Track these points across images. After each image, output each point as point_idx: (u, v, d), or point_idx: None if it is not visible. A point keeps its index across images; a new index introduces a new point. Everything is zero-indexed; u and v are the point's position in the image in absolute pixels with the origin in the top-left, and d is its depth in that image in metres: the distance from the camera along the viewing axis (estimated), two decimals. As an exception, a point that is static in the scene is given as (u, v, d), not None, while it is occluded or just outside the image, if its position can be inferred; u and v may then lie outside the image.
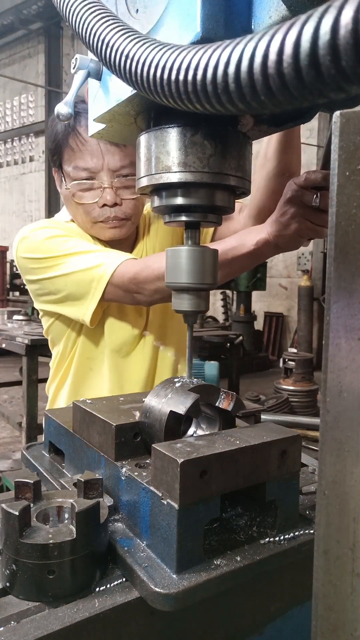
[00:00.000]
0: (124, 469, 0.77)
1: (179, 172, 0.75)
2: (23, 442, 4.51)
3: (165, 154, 0.76)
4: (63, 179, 1.52)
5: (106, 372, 1.57)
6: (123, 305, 1.54)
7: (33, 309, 6.04)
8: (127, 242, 1.63)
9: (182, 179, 0.75)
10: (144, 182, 0.80)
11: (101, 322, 1.54)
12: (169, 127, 0.75)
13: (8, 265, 11.86)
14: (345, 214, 0.45)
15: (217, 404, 0.83)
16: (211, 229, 1.62)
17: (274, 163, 1.32)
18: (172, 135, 0.75)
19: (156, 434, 0.79)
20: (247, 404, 0.90)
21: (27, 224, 1.61)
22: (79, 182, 1.47)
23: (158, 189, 0.82)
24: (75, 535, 0.64)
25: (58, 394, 1.67)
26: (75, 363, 1.60)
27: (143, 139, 0.80)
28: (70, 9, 0.68)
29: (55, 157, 1.53)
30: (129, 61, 0.57)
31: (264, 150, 1.33)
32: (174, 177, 0.76)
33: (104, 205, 1.47)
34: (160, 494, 0.68)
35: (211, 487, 0.67)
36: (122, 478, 0.77)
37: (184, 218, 0.84)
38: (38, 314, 1.69)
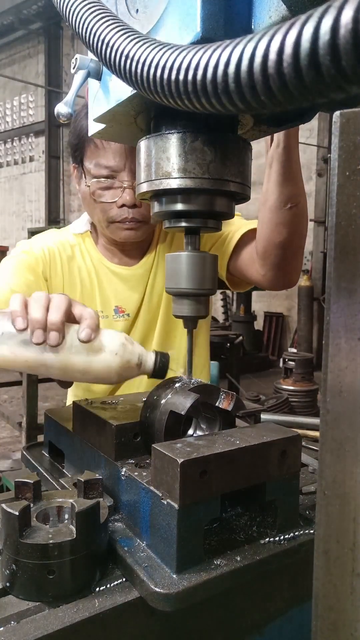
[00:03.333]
0: (124, 469, 0.77)
1: (179, 178, 0.75)
2: (23, 442, 4.50)
3: (165, 160, 0.76)
4: (83, 175, 1.51)
5: None
6: None
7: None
8: (140, 247, 1.62)
9: (182, 185, 0.75)
10: (144, 187, 0.80)
11: None
12: (169, 133, 0.75)
13: (8, 265, 11.84)
14: (345, 214, 0.45)
15: (217, 404, 0.83)
16: (235, 239, 1.54)
17: (276, 195, 1.30)
18: (172, 142, 0.75)
19: (156, 434, 0.79)
20: (247, 404, 0.90)
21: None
22: (99, 180, 1.45)
23: (158, 195, 0.82)
24: (75, 535, 0.65)
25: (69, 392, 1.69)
26: None
27: (143, 144, 0.80)
28: (70, 9, 0.68)
29: (77, 153, 1.51)
30: (129, 61, 0.57)
31: (264, 187, 1.31)
32: (174, 183, 0.76)
33: (123, 205, 1.45)
34: (160, 494, 0.68)
35: (211, 487, 0.67)
36: (122, 478, 0.77)
37: (183, 224, 0.84)
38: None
